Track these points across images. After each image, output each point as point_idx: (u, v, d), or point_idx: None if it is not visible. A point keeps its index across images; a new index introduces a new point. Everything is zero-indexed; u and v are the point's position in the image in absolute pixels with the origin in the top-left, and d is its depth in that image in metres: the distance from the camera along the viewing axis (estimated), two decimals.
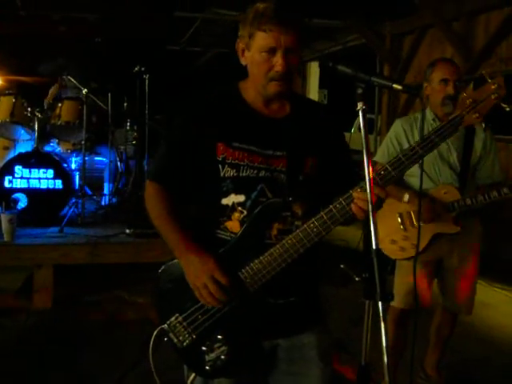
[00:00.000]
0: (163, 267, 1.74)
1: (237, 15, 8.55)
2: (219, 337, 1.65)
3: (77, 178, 5.45)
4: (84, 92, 5.02)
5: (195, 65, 13.03)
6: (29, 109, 5.08)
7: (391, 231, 2.81)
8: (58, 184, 4.97)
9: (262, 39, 1.58)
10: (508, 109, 1.46)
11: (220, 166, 1.66)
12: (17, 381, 3.22)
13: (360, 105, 1.34)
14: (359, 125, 1.37)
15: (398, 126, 2.89)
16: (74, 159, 5.68)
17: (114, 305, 4.40)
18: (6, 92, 5.23)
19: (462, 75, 2.78)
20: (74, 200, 5.08)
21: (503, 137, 6.12)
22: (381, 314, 1.25)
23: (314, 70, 11.79)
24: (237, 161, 1.65)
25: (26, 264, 4.44)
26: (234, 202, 1.66)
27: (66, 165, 5.20)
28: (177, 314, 1.69)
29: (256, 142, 1.66)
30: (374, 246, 1.29)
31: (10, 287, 4.59)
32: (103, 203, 5.71)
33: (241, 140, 1.66)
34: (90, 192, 5.57)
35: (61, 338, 3.77)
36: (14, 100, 5.09)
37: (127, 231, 4.70)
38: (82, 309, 4.30)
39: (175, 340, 1.71)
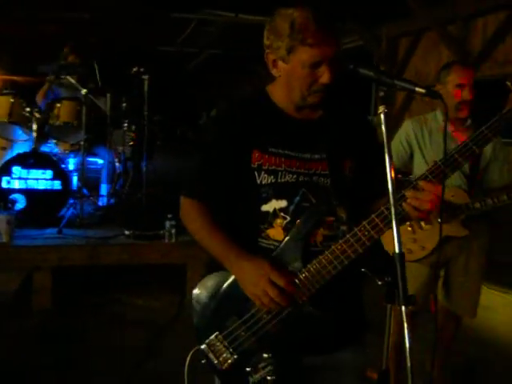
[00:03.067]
0: (199, 284, 1.66)
1: (233, 16, 8.58)
2: (265, 355, 1.55)
3: (75, 178, 5.42)
4: (83, 92, 4.99)
5: (190, 66, 13.00)
6: (27, 109, 5.03)
7: None
8: (57, 185, 4.93)
9: (306, 54, 1.51)
10: None
11: (256, 172, 1.60)
12: (15, 381, 3.19)
13: (382, 108, 1.33)
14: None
15: (407, 126, 2.89)
16: (71, 160, 5.64)
17: (114, 307, 4.38)
18: (4, 92, 5.18)
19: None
20: (72, 201, 5.04)
21: None
22: (404, 319, 1.25)
23: None
24: (274, 166, 1.59)
25: (24, 265, 4.40)
26: (275, 208, 1.59)
27: (64, 166, 5.16)
28: (216, 333, 1.60)
29: (292, 146, 1.61)
30: (397, 250, 1.28)
31: (8, 288, 4.56)
32: (101, 204, 5.67)
33: (276, 145, 1.60)
34: (87, 193, 5.54)
35: (60, 340, 3.74)
36: (12, 100, 5.04)
37: (126, 233, 4.68)
38: (81, 310, 4.28)
39: (215, 361, 1.60)
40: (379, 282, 1.31)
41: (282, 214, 1.59)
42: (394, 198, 1.33)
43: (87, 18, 8.06)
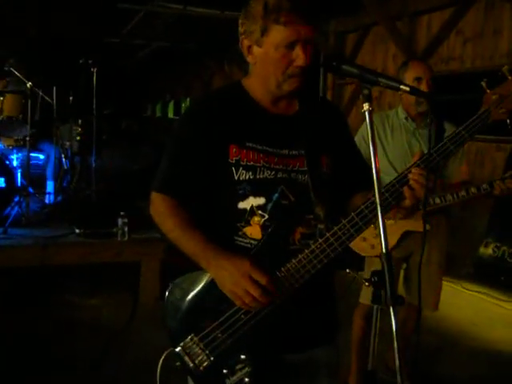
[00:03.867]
0: (172, 284, 1.58)
1: (181, 9, 8.43)
2: (242, 357, 1.49)
3: (19, 175, 5.17)
4: (28, 85, 4.76)
5: (137, 58, 12.72)
6: None
7: None
8: (1, 182, 4.69)
9: (279, 34, 1.47)
10: None
11: (234, 168, 1.54)
12: None
13: (366, 106, 1.31)
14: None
15: None
16: (15, 156, 5.39)
17: (65, 309, 4.21)
18: None
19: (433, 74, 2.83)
20: (17, 199, 4.81)
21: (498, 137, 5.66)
22: (393, 319, 1.24)
23: None
24: (252, 162, 1.54)
25: None
26: (252, 206, 1.54)
27: (8, 162, 4.92)
28: (192, 335, 1.53)
29: (270, 141, 1.56)
30: (383, 250, 1.26)
31: None
32: (47, 202, 5.45)
33: (254, 140, 1.55)
34: (33, 190, 5.31)
35: (6, 347, 3.55)
36: None
37: (77, 231, 4.51)
38: (30, 314, 4.09)
39: (191, 364, 1.53)
40: (366, 284, 1.29)
41: (259, 211, 1.54)
42: (379, 194, 1.31)
43: (29, 9, 7.73)
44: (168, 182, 1.61)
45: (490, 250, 5.44)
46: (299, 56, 1.48)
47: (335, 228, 1.47)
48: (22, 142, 5.12)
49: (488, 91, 1.51)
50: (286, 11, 1.46)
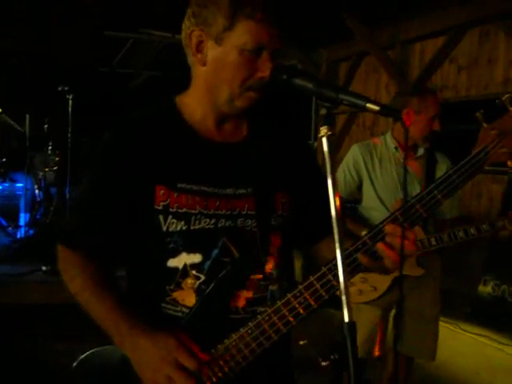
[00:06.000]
0: (78, 361, 1.25)
1: (170, 37, 8.28)
2: None
3: None
4: None
5: (129, 87, 12.57)
6: None
7: None
8: None
9: (250, 32, 1.14)
10: None
11: (161, 216, 1.21)
12: None
13: (324, 130, 1.02)
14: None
15: (355, 152, 2.64)
16: None
17: (29, 353, 3.87)
18: None
19: None
20: None
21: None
22: None
23: None
24: (185, 209, 1.21)
25: None
26: (186, 264, 1.21)
27: None
28: None
29: (210, 179, 1.22)
30: (346, 318, 0.96)
31: None
32: (19, 236, 5.14)
33: (188, 179, 1.21)
34: (5, 223, 5.02)
35: None
36: None
37: (43, 268, 4.22)
38: None
39: None
40: (323, 363, 0.98)
41: (194, 271, 1.22)
42: (340, 244, 1.01)
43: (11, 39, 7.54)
44: (76, 234, 1.30)
45: (489, 289, 5.11)
46: (266, 65, 1.17)
47: (289, 295, 1.15)
48: None
49: (485, 125, 1.19)
50: (261, 6, 1.15)
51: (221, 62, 1.20)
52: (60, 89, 5.18)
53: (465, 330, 4.78)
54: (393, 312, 2.70)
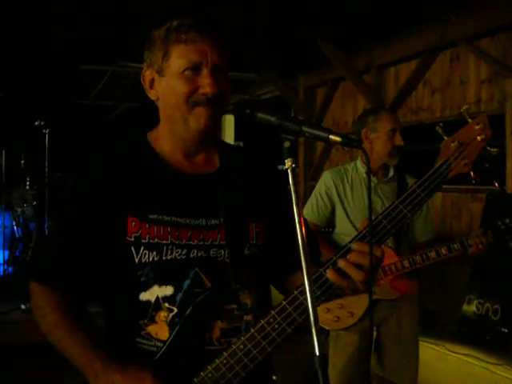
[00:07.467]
0: None
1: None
2: None
3: None
4: None
5: (107, 119, 12.57)
6: None
7: None
8: None
9: (181, 54, 1.23)
10: (495, 153, 1.20)
11: (133, 248, 1.22)
12: None
13: (288, 163, 1.03)
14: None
15: (327, 178, 2.66)
16: None
17: None
18: None
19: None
20: None
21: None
22: None
23: (228, 123, 11.66)
24: (157, 239, 1.21)
25: None
26: (158, 297, 1.21)
27: None
28: None
29: (181, 209, 1.25)
30: (316, 352, 0.95)
31: None
32: None
33: (160, 210, 1.23)
34: None
35: None
36: None
37: (22, 307, 4.12)
38: None
39: None
40: None
41: (166, 304, 1.21)
42: (307, 271, 1.01)
43: None
44: (47, 269, 1.29)
45: (473, 307, 5.10)
46: (205, 81, 1.21)
47: (262, 322, 1.15)
48: None
49: (445, 138, 1.22)
50: (186, 27, 1.22)
51: (167, 90, 1.28)
52: (36, 123, 5.16)
53: (451, 351, 4.76)
54: (374, 336, 2.69)
